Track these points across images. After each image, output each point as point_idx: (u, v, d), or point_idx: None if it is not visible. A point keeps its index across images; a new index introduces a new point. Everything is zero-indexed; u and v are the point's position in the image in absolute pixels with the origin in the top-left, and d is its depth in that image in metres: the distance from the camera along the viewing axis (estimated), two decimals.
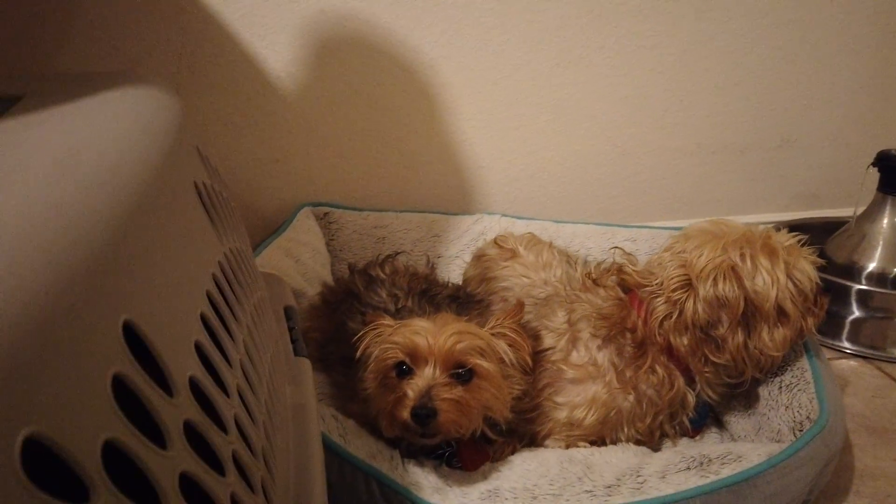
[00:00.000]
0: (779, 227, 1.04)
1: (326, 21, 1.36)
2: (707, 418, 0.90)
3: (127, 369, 0.30)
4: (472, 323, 0.84)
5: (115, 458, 0.27)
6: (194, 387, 0.37)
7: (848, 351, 1.31)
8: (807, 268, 0.90)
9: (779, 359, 0.90)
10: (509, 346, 0.83)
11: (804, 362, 0.92)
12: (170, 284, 0.38)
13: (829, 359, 1.25)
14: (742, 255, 0.87)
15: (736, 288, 0.85)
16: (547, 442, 0.91)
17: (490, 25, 1.42)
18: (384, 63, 1.41)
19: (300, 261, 1.28)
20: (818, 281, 0.93)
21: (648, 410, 0.88)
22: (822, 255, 1.47)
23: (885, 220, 1.40)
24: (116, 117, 0.47)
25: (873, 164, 1.39)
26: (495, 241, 1.24)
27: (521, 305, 0.89)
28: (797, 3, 1.52)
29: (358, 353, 0.84)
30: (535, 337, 0.97)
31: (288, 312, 0.76)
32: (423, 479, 0.81)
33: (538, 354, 0.95)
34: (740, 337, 0.85)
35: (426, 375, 0.77)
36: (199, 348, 0.39)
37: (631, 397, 0.88)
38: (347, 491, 0.80)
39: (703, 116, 1.59)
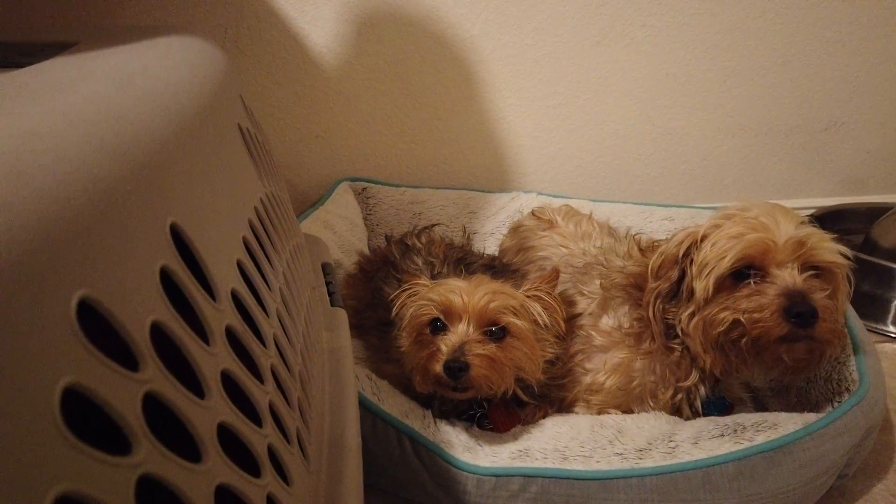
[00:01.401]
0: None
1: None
2: (724, 411, 0.87)
3: (174, 265, 0.31)
4: (507, 285, 0.84)
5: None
6: (230, 335, 0.38)
7: (893, 335, 1.28)
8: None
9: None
10: (544, 308, 0.84)
11: (845, 338, 0.90)
12: (215, 203, 0.39)
13: (876, 342, 1.23)
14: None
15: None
16: (575, 408, 0.91)
17: (531, 2, 1.42)
18: (424, 40, 1.42)
19: (337, 232, 1.30)
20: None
21: (668, 385, 0.87)
22: (867, 239, 1.45)
23: None
24: (166, 55, 0.49)
25: None
26: (533, 213, 1.24)
27: (556, 272, 0.89)
28: None
29: (394, 313, 0.85)
30: (570, 303, 0.98)
31: (325, 268, 0.78)
32: (454, 438, 0.82)
33: (571, 320, 0.95)
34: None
35: (460, 331, 0.78)
36: (240, 267, 0.40)
37: (652, 368, 0.87)
38: (381, 446, 0.81)
39: (748, 97, 1.56)
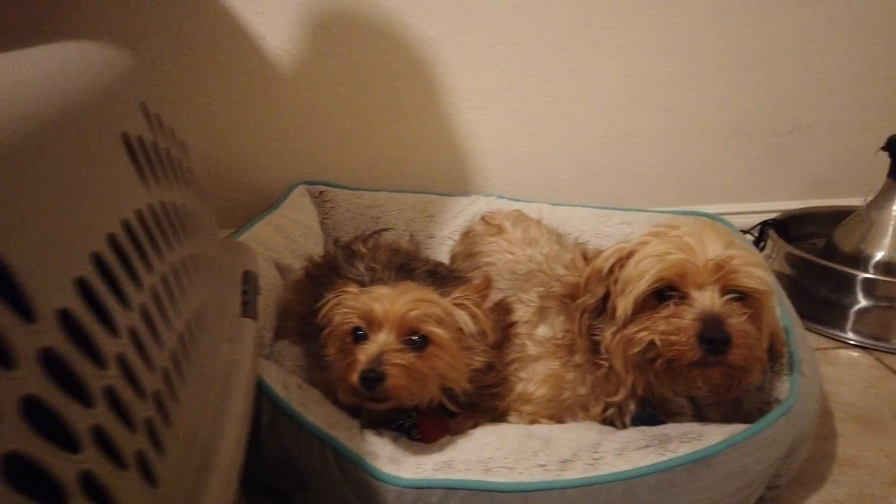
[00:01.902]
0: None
1: (323, 0, 1.36)
2: (655, 423, 0.85)
3: None
4: (435, 292, 0.83)
5: None
6: (69, 320, 0.37)
7: (852, 342, 1.27)
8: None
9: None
10: (471, 317, 0.82)
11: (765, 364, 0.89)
12: (56, 217, 0.38)
13: (830, 348, 1.22)
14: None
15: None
16: (509, 417, 0.90)
17: (491, 4, 1.40)
18: (382, 42, 1.41)
19: (290, 237, 1.29)
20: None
21: (599, 398, 0.86)
22: (828, 243, 1.44)
23: (895, 208, 1.34)
24: (36, 64, 0.48)
25: (883, 149, 1.34)
26: (482, 218, 1.23)
27: (489, 281, 0.88)
28: None
29: (319, 320, 0.84)
30: (509, 310, 0.96)
31: (246, 277, 0.77)
32: (379, 449, 0.81)
33: (509, 328, 0.94)
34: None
35: (379, 341, 0.77)
36: (83, 284, 0.39)
37: (583, 380, 0.86)
38: (304, 459, 0.80)
39: (712, 100, 1.55)
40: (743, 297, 0.76)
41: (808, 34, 1.51)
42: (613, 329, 0.79)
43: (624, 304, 0.78)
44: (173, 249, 0.54)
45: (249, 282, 0.75)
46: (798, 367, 0.84)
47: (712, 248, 0.76)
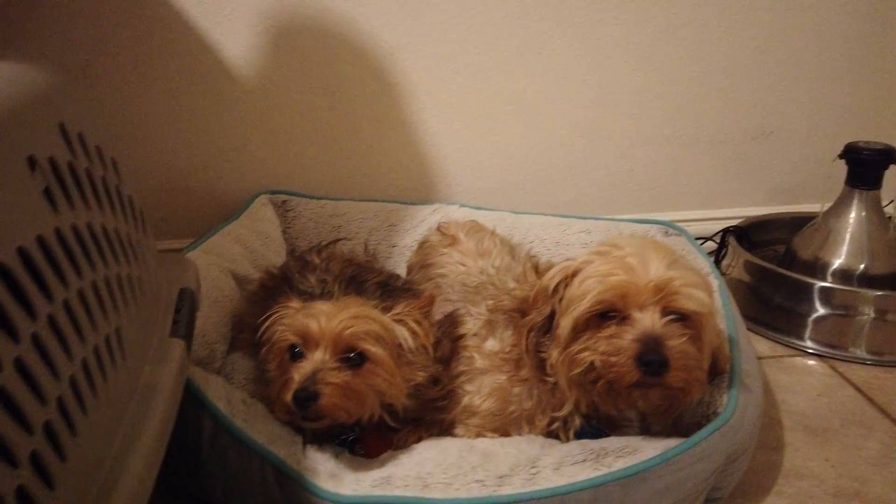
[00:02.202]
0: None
1: (284, 9, 1.36)
2: (600, 436, 0.85)
3: None
4: (376, 308, 0.83)
5: None
6: None
7: (809, 350, 1.27)
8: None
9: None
10: (411, 333, 0.82)
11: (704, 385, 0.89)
12: None
13: (786, 356, 1.23)
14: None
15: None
16: (455, 430, 0.90)
17: (450, 14, 1.41)
18: (343, 51, 1.41)
19: (249, 247, 1.28)
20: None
21: (545, 412, 0.86)
22: (787, 250, 1.44)
23: (853, 215, 1.35)
24: None
25: (840, 157, 1.35)
26: (438, 228, 1.23)
27: (432, 298, 0.88)
28: None
29: (258, 336, 0.84)
30: (457, 323, 0.97)
31: (182, 294, 0.76)
32: (320, 465, 0.81)
33: (457, 340, 0.94)
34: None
35: (315, 359, 0.77)
36: None
37: (529, 394, 0.86)
38: (244, 475, 0.80)
39: (675, 107, 1.56)
40: (684, 317, 0.76)
41: (768, 43, 1.52)
42: (558, 348, 0.79)
43: (566, 324, 0.78)
44: (82, 273, 0.53)
45: (185, 299, 0.75)
46: (738, 381, 0.84)
47: (654, 269, 0.76)
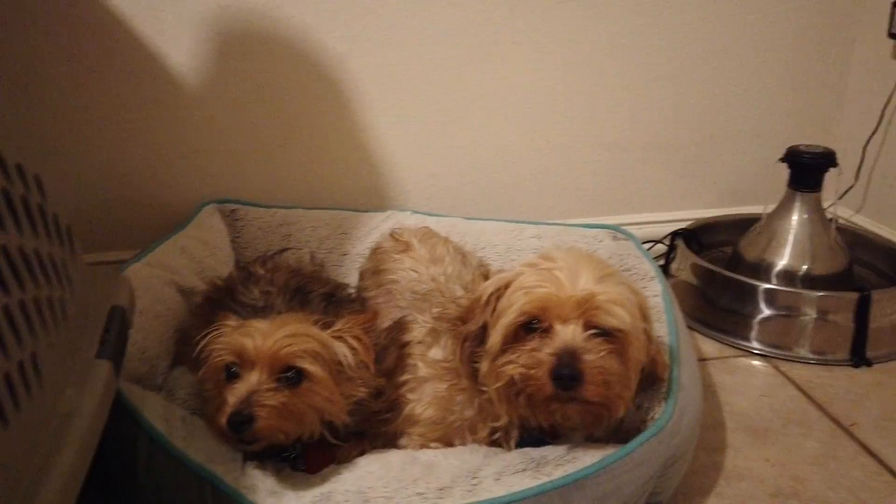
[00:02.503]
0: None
1: (228, 15, 1.34)
2: (542, 444, 0.85)
3: None
4: (314, 325, 0.82)
5: None
6: None
7: (755, 351, 1.30)
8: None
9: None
10: (351, 350, 0.82)
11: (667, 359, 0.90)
12: None
13: (731, 357, 1.25)
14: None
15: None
16: (400, 441, 0.90)
17: (399, 19, 1.40)
18: (292, 58, 1.39)
19: (196, 258, 1.26)
20: None
21: (486, 422, 0.86)
22: (734, 252, 1.47)
23: (795, 217, 1.38)
24: None
25: (781, 160, 1.38)
26: (391, 234, 1.23)
27: (374, 314, 0.88)
28: (714, 0, 1.51)
29: (195, 354, 0.82)
30: (404, 329, 0.96)
31: (112, 312, 0.74)
32: (260, 483, 0.80)
33: (403, 347, 0.94)
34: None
35: (250, 380, 0.75)
36: None
37: (470, 403, 0.86)
38: (182, 496, 0.78)
39: (624, 113, 1.57)
40: (609, 333, 0.76)
41: (713, 50, 1.55)
42: (488, 360, 0.80)
43: (495, 336, 0.78)
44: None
45: (115, 318, 0.73)
46: (676, 387, 0.86)
47: (581, 283, 0.76)
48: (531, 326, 0.77)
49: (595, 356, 0.73)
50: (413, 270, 1.12)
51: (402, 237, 1.21)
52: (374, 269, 1.19)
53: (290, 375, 0.77)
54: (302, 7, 1.36)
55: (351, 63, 1.42)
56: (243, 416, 0.72)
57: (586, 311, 0.75)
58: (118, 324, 0.74)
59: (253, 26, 1.36)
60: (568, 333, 0.75)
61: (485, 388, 0.83)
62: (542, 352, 0.74)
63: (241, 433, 0.73)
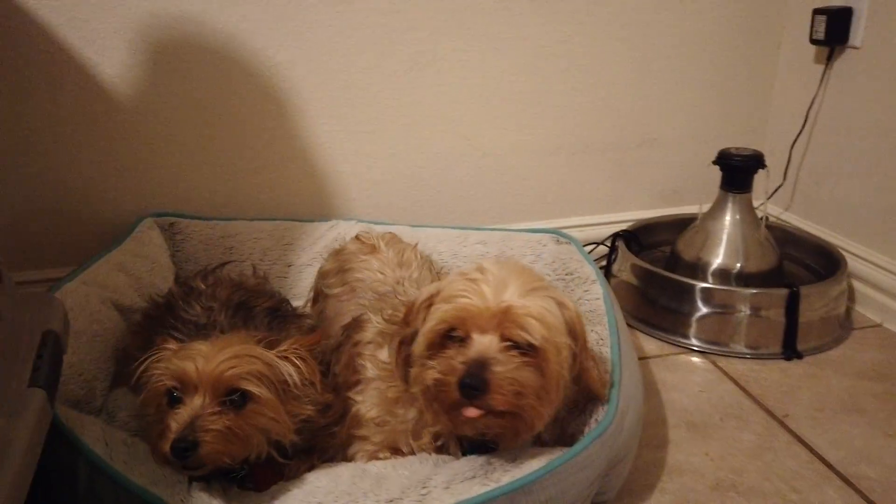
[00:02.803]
0: None
1: (160, 26, 1.31)
2: (489, 450, 0.85)
3: None
4: (258, 344, 0.81)
5: None
6: None
7: (695, 348, 1.34)
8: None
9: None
10: (296, 369, 0.81)
11: (607, 364, 0.93)
12: None
13: (671, 355, 1.29)
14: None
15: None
16: (350, 450, 0.90)
17: (337, 28, 1.40)
18: (227, 68, 1.37)
19: (134, 275, 1.23)
20: None
21: (426, 427, 0.87)
22: (672, 251, 1.52)
23: (728, 217, 1.44)
24: None
25: (714, 163, 1.43)
26: (357, 237, 1.23)
27: (319, 335, 0.87)
28: (648, 6, 1.55)
29: (133, 380, 0.80)
30: (359, 328, 0.96)
31: (45, 338, 0.72)
32: (206, 503, 0.78)
33: (356, 346, 0.94)
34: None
35: (193, 405, 0.74)
36: None
37: (411, 407, 0.87)
38: None
39: (563, 117, 1.60)
40: (530, 346, 0.76)
41: (648, 55, 1.60)
42: (416, 364, 0.80)
43: (420, 341, 0.79)
44: None
45: (47, 344, 0.71)
46: (617, 388, 0.88)
47: (505, 296, 0.77)
48: (453, 336, 0.78)
49: (505, 368, 0.74)
50: (380, 272, 1.13)
51: (369, 240, 1.21)
52: (339, 268, 1.19)
53: (234, 398, 0.76)
54: (239, 16, 1.34)
55: (291, 72, 1.41)
56: (187, 442, 0.71)
57: (502, 324, 0.76)
58: (51, 349, 0.72)
59: (187, 36, 1.34)
60: (483, 344, 0.75)
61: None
62: (456, 360, 0.75)
63: (185, 460, 0.71)
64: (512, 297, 0.77)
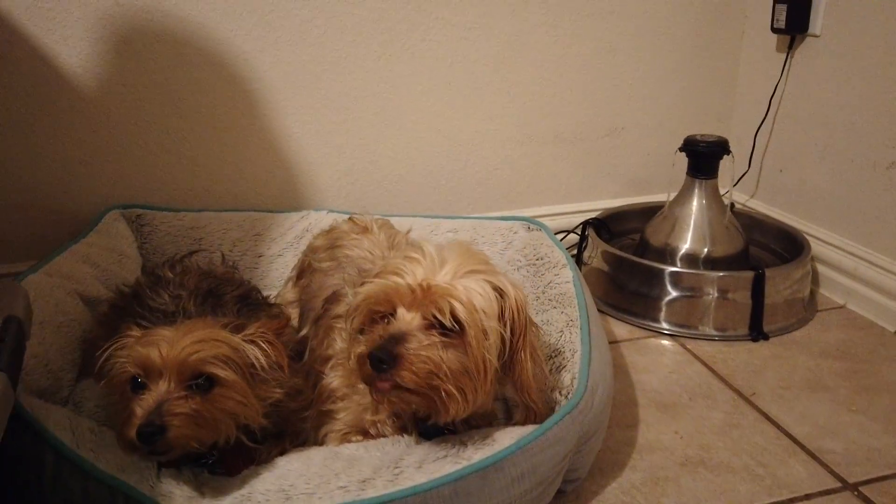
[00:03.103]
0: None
1: (123, 14, 1.29)
2: (440, 434, 0.86)
3: None
4: (227, 327, 0.80)
5: None
6: None
7: (665, 331, 1.36)
8: None
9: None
10: (263, 353, 0.80)
11: (577, 344, 0.94)
12: None
13: (642, 338, 1.31)
14: None
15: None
16: (322, 430, 0.89)
17: (305, 17, 1.39)
18: (192, 57, 1.36)
19: (100, 266, 1.21)
20: None
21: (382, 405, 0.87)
22: (641, 238, 1.53)
23: (695, 203, 1.46)
24: None
25: (681, 149, 1.45)
26: (350, 218, 1.23)
27: (286, 319, 0.87)
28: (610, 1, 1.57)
29: (97, 367, 0.79)
30: (336, 302, 0.96)
31: (7, 323, 0.71)
32: (176, 489, 0.77)
33: (332, 319, 0.94)
34: None
35: (159, 390, 0.73)
36: None
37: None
38: None
39: (532, 107, 1.62)
40: (458, 327, 0.76)
41: (614, 44, 1.61)
42: (352, 339, 0.81)
43: (353, 318, 0.80)
44: None
45: (9, 330, 0.70)
46: (586, 367, 0.89)
47: (440, 276, 0.77)
48: (383, 312, 0.79)
49: (418, 344, 0.74)
50: (369, 251, 1.12)
51: (362, 222, 1.21)
52: (330, 244, 1.18)
53: (200, 382, 0.75)
54: (206, 4, 1.32)
55: (258, 61, 1.40)
56: (154, 426, 0.70)
57: (424, 303, 0.76)
58: (14, 335, 0.70)
59: (150, 25, 1.32)
60: (403, 321, 0.76)
61: None
62: (374, 335, 0.76)
63: (152, 444, 0.71)
64: (443, 278, 0.77)
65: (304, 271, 1.19)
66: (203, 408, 0.74)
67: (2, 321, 0.71)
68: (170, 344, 0.74)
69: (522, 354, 0.81)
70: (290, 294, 1.19)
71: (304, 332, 1.04)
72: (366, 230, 1.18)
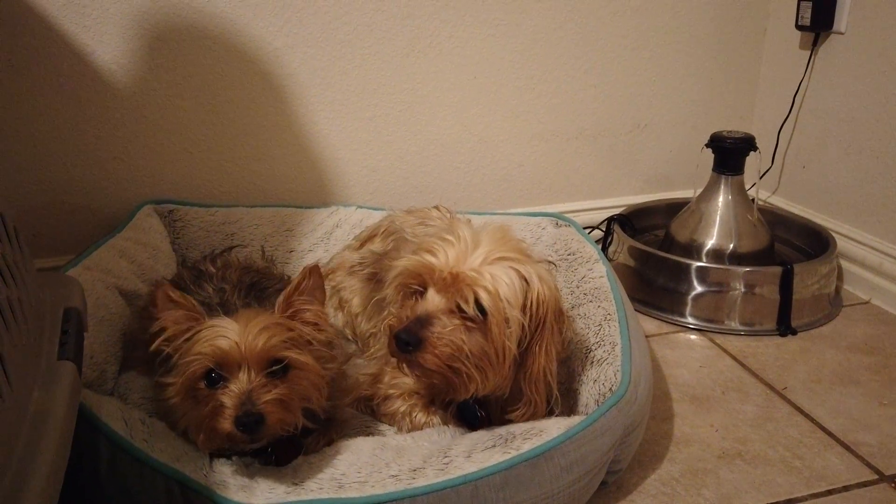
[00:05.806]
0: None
1: (157, 11, 1.30)
2: (475, 419, 0.90)
3: None
4: (273, 313, 0.82)
5: None
6: None
7: (691, 326, 1.37)
8: None
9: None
10: (313, 325, 0.82)
11: (616, 337, 0.95)
12: None
13: (670, 333, 1.32)
14: None
15: None
16: (385, 404, 0.92)
17: (334, 15, 1.40)
18: (225, 54, 1.37)
19: (136, 261, 1.23)
20: None
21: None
22: (667, 234, 1.54)
23: (721, 199, 1.47)
24: None
25: (707, 146, 1.46)
26: (406, 211, 1.24)
27: (313, 269, 0.83)
28: None
29: (160, 358, 0.80)
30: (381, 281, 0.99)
31: (67, 314, 0.72)
32: (229, 478, 0.79)
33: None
34: None
35: (242, 380, 0.74)
36: None
37: None
38: (148, 496, 0.77)
39: (557, 103, 1.62)
40: (479, 313, 0.79)
41: (639, 42, 1.62)
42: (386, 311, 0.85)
43: (388, 290, 0.84)
44: None
45: (70, 320, 0.71)
46: (629, 359, 0.90)
47: (469, 261, 0.80)
48: (417, 287, 0.81)
49: (442, 328, 0.77)
50: (426, 235, 1.14)
51: (418, 213, 1.22)
52: (420, 221, 1.19)
53: (276, 369, 0.76)
54: (238, 1, 1.34)
55: (289, 58, 1.41)
56: (253, 415, 0.71)
57: (453, 287, 0.78)
58: (75, 325, 0.72)
59: (184, 22, 1.33)
60: (431, 302, 0.78)
61: None
62: (406, 311, 0.78)
63: (254, 433, 0.72)
64: (472, 263, 0.79)
65: (372, 237, 1.21)
66: (286, 392, 0.75)
67: (62, 312, 0.73)
68: (241, 335, 0.75)
69: (538, 347, 0.84)
70: (354, 256, 1.21)
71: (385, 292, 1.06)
72: (426, 216, 1.20)
